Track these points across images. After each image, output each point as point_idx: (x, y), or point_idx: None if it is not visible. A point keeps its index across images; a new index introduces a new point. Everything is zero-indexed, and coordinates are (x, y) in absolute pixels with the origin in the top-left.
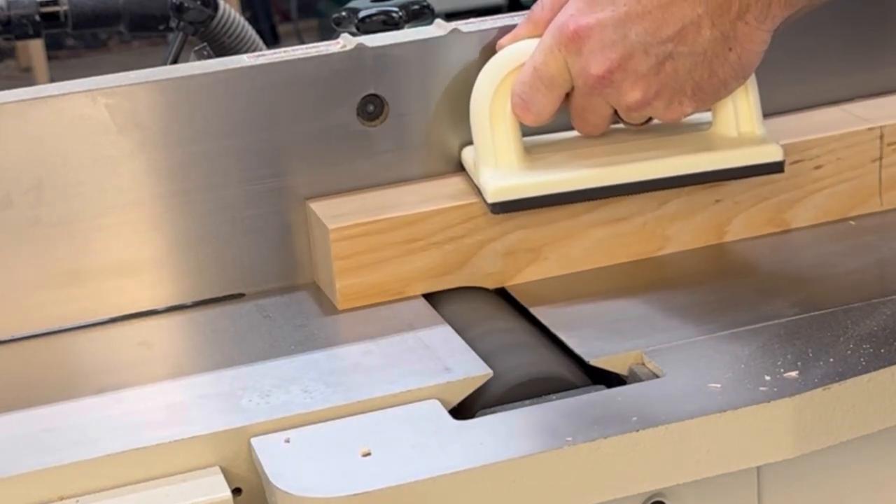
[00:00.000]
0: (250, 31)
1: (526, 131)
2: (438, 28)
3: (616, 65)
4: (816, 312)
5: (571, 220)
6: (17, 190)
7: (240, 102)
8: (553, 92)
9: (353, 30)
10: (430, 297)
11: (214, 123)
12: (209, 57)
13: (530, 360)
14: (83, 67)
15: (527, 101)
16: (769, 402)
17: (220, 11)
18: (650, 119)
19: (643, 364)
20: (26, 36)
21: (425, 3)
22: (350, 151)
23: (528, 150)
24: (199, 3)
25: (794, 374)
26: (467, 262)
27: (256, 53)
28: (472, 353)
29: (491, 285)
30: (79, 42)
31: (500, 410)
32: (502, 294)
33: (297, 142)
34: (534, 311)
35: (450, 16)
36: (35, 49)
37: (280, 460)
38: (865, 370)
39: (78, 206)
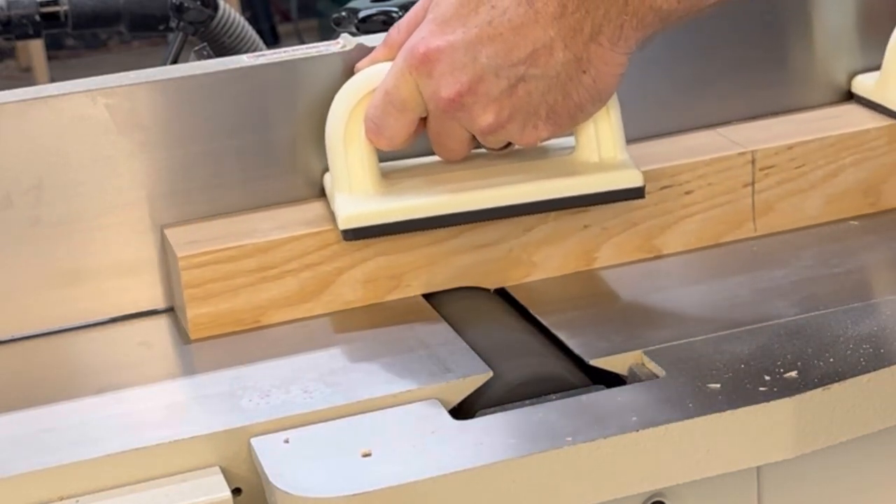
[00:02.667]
0: (250, 31)
1: (390, 156)
2: None
3: (466, 88)
4: (816, 312)
5: (434, 246)
6: (17, 190)
7: (240, 102)
8: (405, 116)
9: (353, 30)
10: (430, 298)
11: (214, 123)
12: (209, 57)
13: (530, 360)
14: (83, 67)
15: (379, 125)
16: (769, 402)
17: (220, 11)
18: (511, 144)
19: (643, 364)
20: (26, 36)
21: None
22: None
23: (387, 176)
24: (199, 3)
25: (794, 374)
26: (325, 289)
27: (256, 53)
28: (472, 353)
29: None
30: (79, 42)
31: (500, 410)
32: (502, 294)
33: (297, 141)
34: (534, 311)
35: None
36: (35, 49)
37: (280, 460)
38: (865, 370)
39: (78, 206)
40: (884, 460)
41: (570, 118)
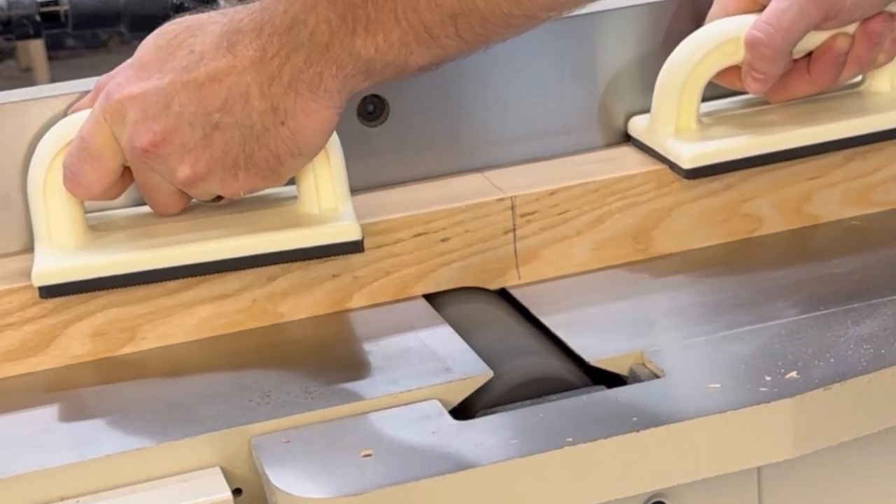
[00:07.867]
0: None
1: (112, 206)
2: None
3: (160, 137)
4: (816, 312)
5: (168, 297)
6: (17, 190)
7: None
8: (101, 165)
9: None
10: (431, 298)
11: None
12: None
13: (531, 360)
14: (83, 67)
15: (76, 173)
16: (769, 402)
17: None
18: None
19: (643, 364)
20: (26, 36)
21: None
22: (349, 152)
23: (96, 228)
24: (199, 3)
25: (794, 374)
26: (51, 343)
27: None
28: (473, 354)
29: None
30: (79, 42)
31: (500, 411)
32: (503, 295)
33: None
34: (534, 311)
35: None
36: (35, 49)
37: (280, 460)
38: (865, 370)
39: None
40: (884, 460)
41: (272, 170)
